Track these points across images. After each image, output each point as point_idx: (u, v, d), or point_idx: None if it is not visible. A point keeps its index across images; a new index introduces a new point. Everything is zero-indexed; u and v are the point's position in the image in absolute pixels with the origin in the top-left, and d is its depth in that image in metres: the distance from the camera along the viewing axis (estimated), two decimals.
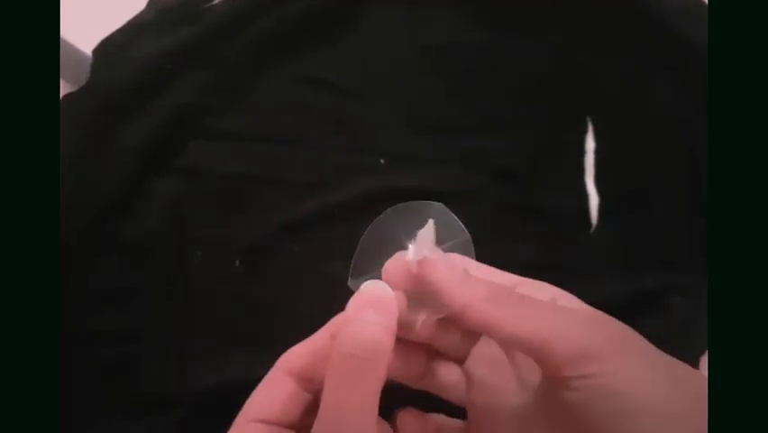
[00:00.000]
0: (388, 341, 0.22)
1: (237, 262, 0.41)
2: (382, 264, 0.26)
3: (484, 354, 0.27)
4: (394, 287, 0.24)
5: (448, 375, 0.28)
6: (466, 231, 0.27)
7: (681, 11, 0.44)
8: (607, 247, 0.41)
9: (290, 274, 0.40)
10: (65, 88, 0.43)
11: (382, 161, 0.43)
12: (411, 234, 0.26)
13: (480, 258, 0.41)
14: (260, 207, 0.42)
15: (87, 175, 0.40)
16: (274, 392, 0.25)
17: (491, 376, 0.27)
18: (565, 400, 0.22)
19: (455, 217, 0.27)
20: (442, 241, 0.27)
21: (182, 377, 0.38)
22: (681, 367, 0.23)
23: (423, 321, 0.25)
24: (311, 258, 0.41)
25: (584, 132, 0.43)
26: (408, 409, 0.28)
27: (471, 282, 0.24)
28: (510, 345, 0.25)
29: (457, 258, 0.27)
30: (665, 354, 0.23)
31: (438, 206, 0.28)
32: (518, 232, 0.42)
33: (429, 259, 0.25)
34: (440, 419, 0.29)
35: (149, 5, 0.45)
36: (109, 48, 0.43)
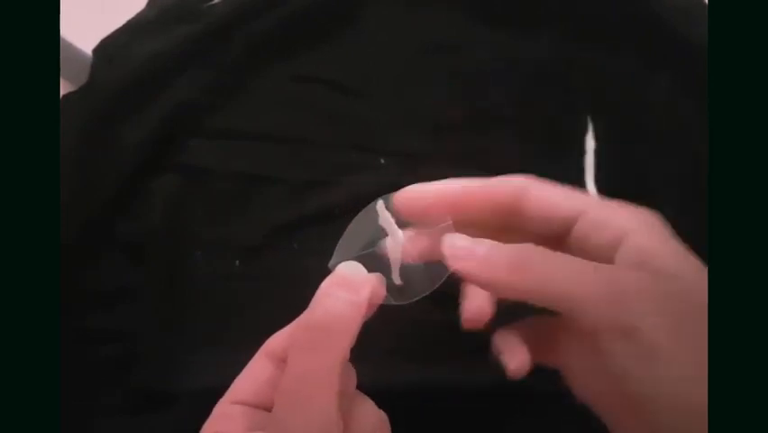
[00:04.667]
0: (351, 315, 0.23)
1: (237, 262, 0.41)
2: (363, 249, 0.27)
3: None
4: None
5: None
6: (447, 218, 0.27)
7: (681, 11, 0.44)
8: None
9: (290, 274, 0.40)
10: (65, 88, 0.43)
11: (382, 160, 0.43)
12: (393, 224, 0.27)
13: None
14: (260, 207, 0.42)
15: (87, 174, 0.40)
16: (255, 375, 0.26)
17: None
18: (603, 367, 0.22)
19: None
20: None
21: (182, 376, 0.38)
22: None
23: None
24: (311, 258, 0.41)
25: (584, 132, 0.43)
26: (502, 331, 0.28)
27: (491, 252, 0.24)
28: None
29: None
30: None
31: None
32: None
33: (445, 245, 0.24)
34: (534, 321, 0.28)
35: (149, 5, 0.45)
36: (109, 47, 0.43)
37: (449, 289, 0.35)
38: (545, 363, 0.28)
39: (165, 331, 0.39)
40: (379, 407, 0.26)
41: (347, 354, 0.23)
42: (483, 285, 0.24)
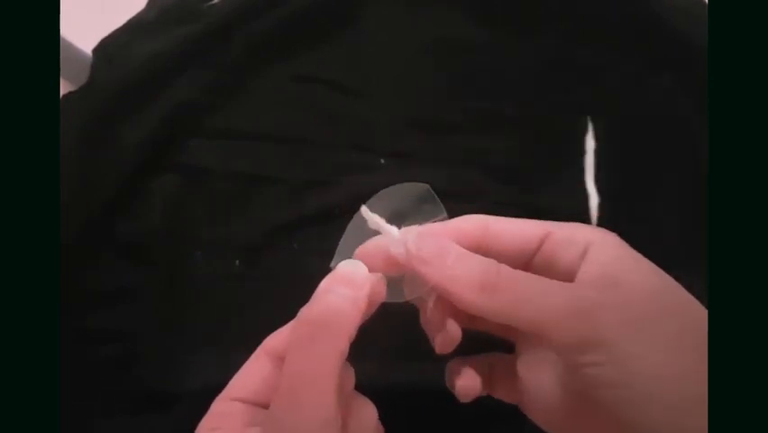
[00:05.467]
0: (352, 311, 0.23)
1: (237, 262, 0.41)
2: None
3: None
4: (371, 269, 0.25)
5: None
6: (443, 211, 0.27)
7: (681, 11, 0.44)
8: None
9: (290, 274, 0.40)
10: (65, 88, 0.43)
11: (382, 160, 0.43)
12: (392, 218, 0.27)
13: None
14: (260, 207, 0.42)
15: (87, 174, 0.40)
16: (253, 373, 0.26)
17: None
18: (576, 382, 0.22)
19: (435, 197, 0.28)
20: (419, 221, 0.27)
21: (182, 376, 0.38)
22: (691, 335, 0.22)
23: (430, 307, 0.26)
24: (311, 258, 0.41)
25: (584, 132, 0.43)
26: (457, 359, 0.29)
27: (460, 268, 0.24)
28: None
29: (437, 228, 0.26)
30: (681, 319, 0.22)
31: (422, 186, 0.28)
32: None
33: (410, 244, 0.24)
34: (491, 358, 0.29)
35: (149, 5, 0.45)
36: (109, 47, 0.43)
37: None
38: (502, 397, 0.29)
39: (165, 331, 0.39)
40: (379, 407, 0.26)
41: (346, 350, 0.23)
42: (451, 299, 0.24)
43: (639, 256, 0.24)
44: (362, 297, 0.24)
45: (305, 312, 0.24)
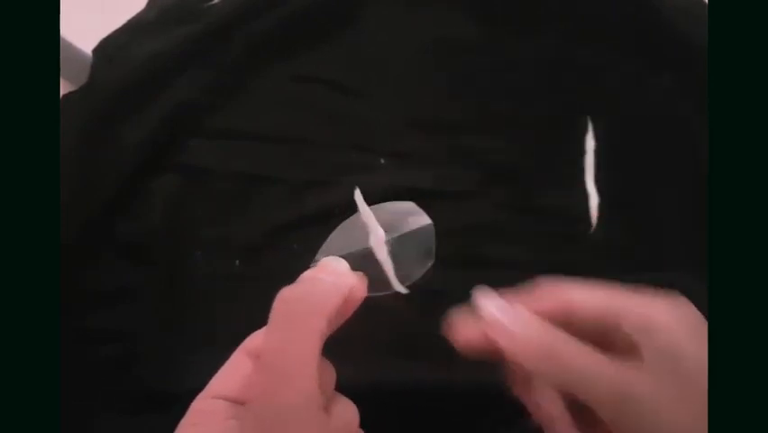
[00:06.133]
0: (331, 292, 0.24)
1: (237, 262, 0.41)
2: (345, 251, 0.28)
3: None
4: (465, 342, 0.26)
5: None
6: (428, 218, 0.28)
7: (681, 11, 0.44)
8: (607, 247, 0.41)
9: (290, 274, 0.40)
10: (65, 88, 0.43)
11: (382, 160, 0.43)
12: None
13: (480, 257, 0.41)
14: (260, 207, 0.42)
15: (87, 174, 0.40)
16: (234, 371, 0.26)
17: None
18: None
19: (420, 210, 0.29)
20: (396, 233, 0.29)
21: (182, 376, 0.38)
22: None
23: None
24: (311, 257, 0.41)
25: (584, 132, 0.43)
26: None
27: (523, 337, 0.24)
28: None
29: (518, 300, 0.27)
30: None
31: (408, 205, 0.30)
32: (518, 232, 0.42)
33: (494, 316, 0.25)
34: None
35: (149, 5, 0.45)
36: (109, 47, 0.43)
37: (441, 288, 0.35)
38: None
39: (165, 331, 0.39)
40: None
41: (326, 332, 0.23)
42: (508, 356, 0.25)
43: (704, 341, 0.24)
44: (344, 284, 0.24)
45: (286, 292, 0.24)
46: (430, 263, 0.29)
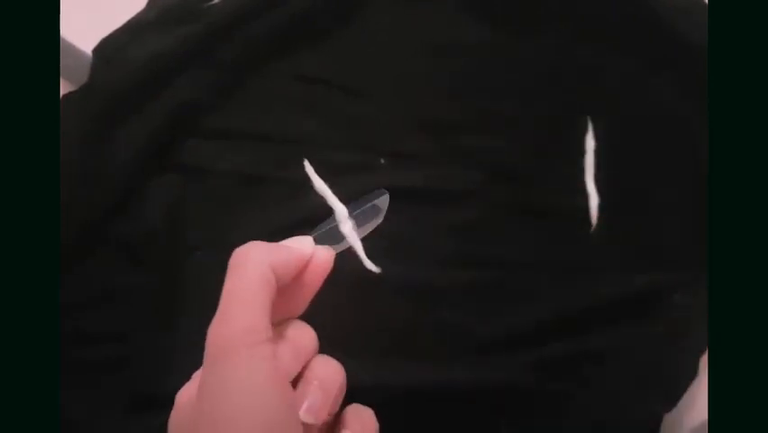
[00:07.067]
0: (273, 246, 0.26)
1: None
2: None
3: None
4: None
5: None
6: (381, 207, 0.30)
7: (681, 11, 0.44)
8: (607, 247, 0.41)
9: None
10: (65, 88, 0.43)
11: (382, 160, 0.43)
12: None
13: (480, 257, 0.41)
14: (260, 207, 0.42)
15: (87, 174, 0.40)
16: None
17: None
18: None
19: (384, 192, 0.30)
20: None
21: (181, 376, 0.38)
22: None
23: None
24: None
25: (584, 132, 0.43)
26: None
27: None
28: None
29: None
30: None
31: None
32: (518, 232, 0.42)
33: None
34: None
35: (149, 5, 0.45)
36: (109, 47, 0.43)
37: (441, 288, 0.35)
38: None
39: (164, 331, 0.39)
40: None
41: (270, 277, 0.24)
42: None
43: None
44: (299, 250, 0.27)
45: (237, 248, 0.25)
46: (379, 221, 0.30)
